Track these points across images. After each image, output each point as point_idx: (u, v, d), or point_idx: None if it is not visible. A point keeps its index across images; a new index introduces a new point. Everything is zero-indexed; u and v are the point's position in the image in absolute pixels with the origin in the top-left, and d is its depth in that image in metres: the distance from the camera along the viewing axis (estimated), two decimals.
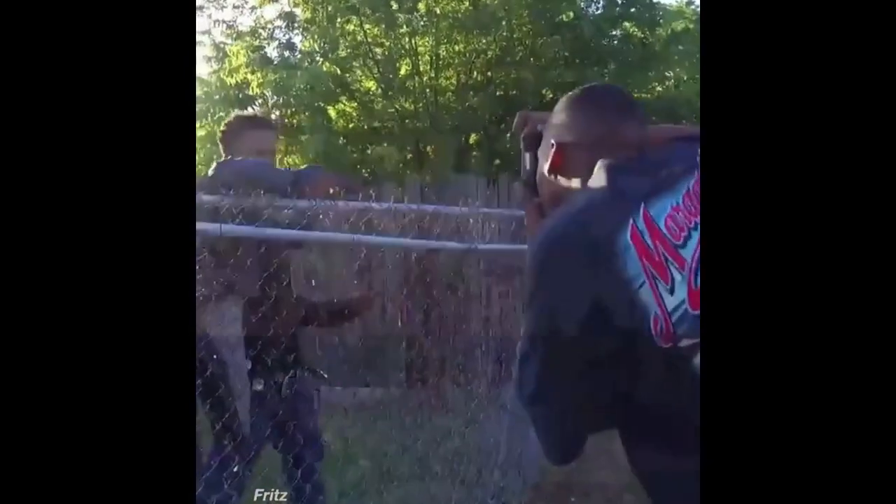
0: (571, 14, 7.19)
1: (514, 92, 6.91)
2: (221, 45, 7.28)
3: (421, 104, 7.25)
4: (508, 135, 7.29)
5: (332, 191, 1.88)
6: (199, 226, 1.46)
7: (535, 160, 1.02)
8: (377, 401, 4.38)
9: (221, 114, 6.32)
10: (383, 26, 6.89)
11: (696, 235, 0.82)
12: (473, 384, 3.41)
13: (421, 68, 7.20)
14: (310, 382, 2.10)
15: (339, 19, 7.13)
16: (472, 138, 7.65)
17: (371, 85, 7.59)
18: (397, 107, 7.15)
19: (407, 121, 7.29)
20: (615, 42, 7.77)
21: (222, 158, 2.02)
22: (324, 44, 6.93)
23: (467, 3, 6.60)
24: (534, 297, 0.87)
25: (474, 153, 7.64)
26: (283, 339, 1.90)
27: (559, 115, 0.98)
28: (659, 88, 7.84)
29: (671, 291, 0.80)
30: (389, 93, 7.00)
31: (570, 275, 0.84)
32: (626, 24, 7.72)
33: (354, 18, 7.10)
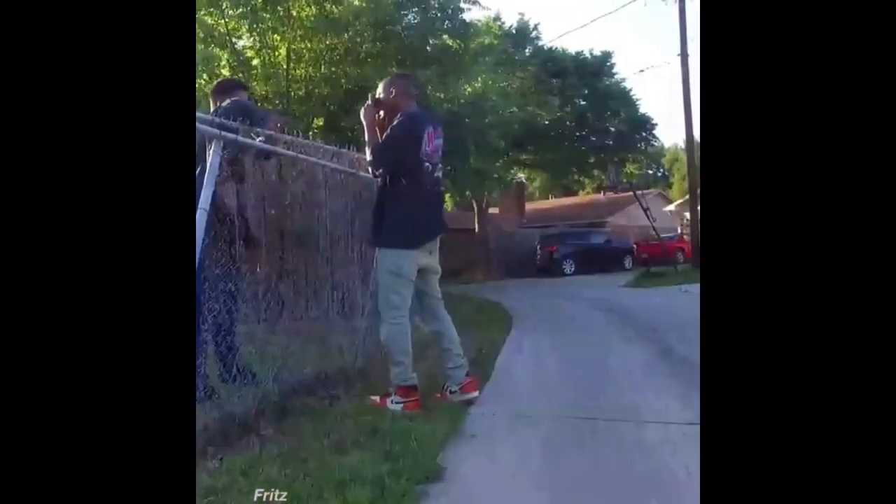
0: (399, 27, 8.86)
1: (357, 86, 8.37)
2: None
3: (274, 90, 8.50)
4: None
5: (278, 125, 3.30)
6: (224, 134, 2.83)
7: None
8: None
9: None
10: (244, 21, 8.06)
11: None
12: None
13: (276, 60, 8.46)
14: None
15: (200, 11, 8.17)
16: (318, 122, 9.02)
17: (227, 72, 8.65)
18: (254, 90, 8.34)
19: (261, 105, 8.47)
20: (436, 50, 9.56)
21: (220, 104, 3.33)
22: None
23: (319, 9, 7.96)
24: None
25: (319, 134, 9.00)
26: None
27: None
28: (469, 90, 9.74)
29: None
30: (250, 81, 8.17)
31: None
32: (445, 36, 9.57)
33: (214, 11, 8.19)
